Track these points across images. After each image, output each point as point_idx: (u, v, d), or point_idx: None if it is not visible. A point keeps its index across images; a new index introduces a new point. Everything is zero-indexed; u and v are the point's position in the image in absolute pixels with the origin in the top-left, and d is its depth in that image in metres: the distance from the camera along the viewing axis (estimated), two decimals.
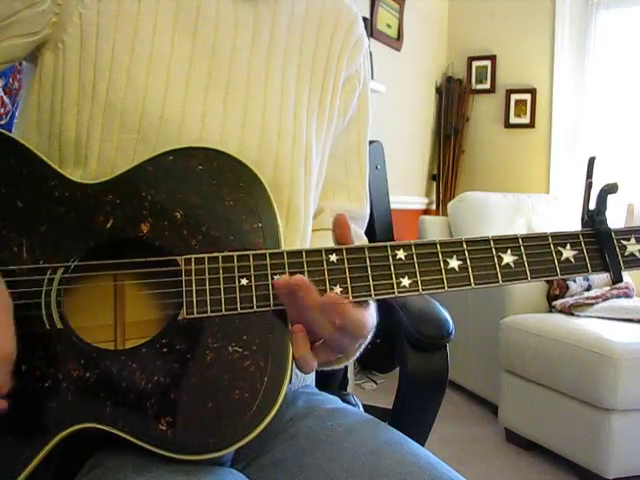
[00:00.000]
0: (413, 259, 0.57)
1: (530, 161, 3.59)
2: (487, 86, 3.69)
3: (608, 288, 2.51)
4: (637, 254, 0.59)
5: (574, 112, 3.47)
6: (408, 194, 3.49)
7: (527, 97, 3.57)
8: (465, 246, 0.58)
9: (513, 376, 2.30)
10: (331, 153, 0.79)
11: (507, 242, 0.58)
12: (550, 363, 2.13)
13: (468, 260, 0.57)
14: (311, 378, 0.82)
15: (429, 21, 3.69)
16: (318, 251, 0.57)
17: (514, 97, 3.61)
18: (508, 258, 0.58)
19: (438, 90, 3.75)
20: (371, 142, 0.91)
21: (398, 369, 1.00)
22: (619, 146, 3.30)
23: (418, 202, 3.63)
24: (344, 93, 0.78)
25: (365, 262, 0.57)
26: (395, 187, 3.07)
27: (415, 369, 0.91)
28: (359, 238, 0.80)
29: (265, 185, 0.60)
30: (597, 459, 1.96)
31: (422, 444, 0.91)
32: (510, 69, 3.64)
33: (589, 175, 0.60)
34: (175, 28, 0.65)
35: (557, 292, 2.45)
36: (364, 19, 2.99)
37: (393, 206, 3.01)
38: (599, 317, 2.29)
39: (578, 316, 2.32)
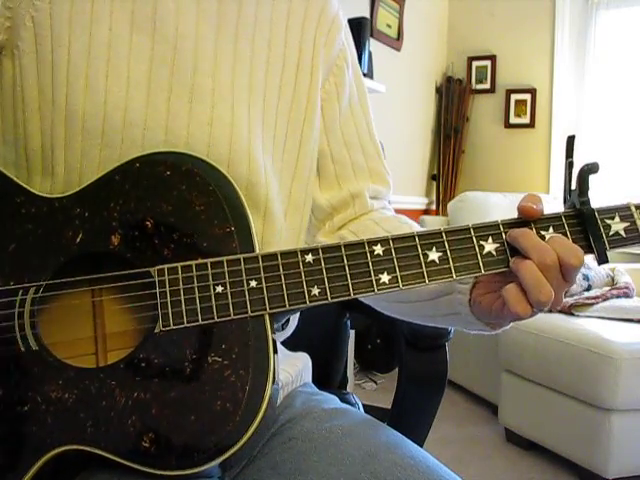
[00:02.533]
0: (392, 254, 0.55)
1: (530, 161, 3.59)
2: (487, 86, 3.69)
3: (608, 288, 2.51)
4: (622, 233, 0.56)
5: (574, 112, 3.47)
6: (408, 194, 3.49)
7: (527, 97, 3.57)
8: (445, 237, 0.56)
9: (513, 376, 2.30)
10: (344, 141, 0.77)
11: (488, 229, 0.56)
12: (550, 363, 2.13)
13: (448, 251, 0.55)
14: (309, 377, 0.82)
15: (429, 21, 3.68)
16: (293, 252, 0.55)
17: (514, 97, 3.61)
18: (490, 246, 0.56)
19: (438, 90, 3.74)
20: None
21: (398, 369, 1.00)
22: (619, 146, 3.30)
23: (418, 202, 3.63)
24: (333, 76, 0.76)
25: (342, 260, 0.55)
26: (395, 187, 3.06)
27: (414, 368, 0.91)
28: (407, 223, 0.78)
29: (235, 186, 0.58)
30: (597, 459, 1.96)
31: (422, 444, 0.91)
32: (510, 69, 3.63)
33: (569, 154, 0.58)
34: (132, 27, 0.63)
35: None
36: (364, 19, 2.96)
37: (393, 206, 3.01)
38: (599, 317, 2.29)
39: (578, 316, 2.32)
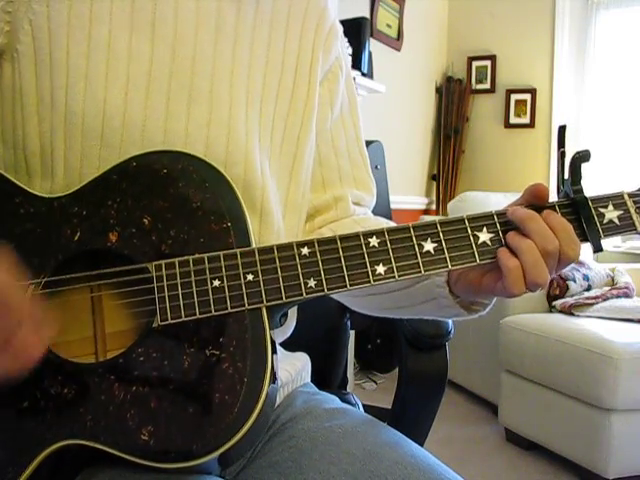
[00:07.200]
0: (387, 245, 0.56)
1: (530, 161, 3.60)
2: (487, 86, 3.69)
3: (608, 288, 2.52)
4: (616, 220, 0.56)
5: (574, 112, 3.47)
6: (408, 194, 3.49)
7: (527, 97, 3.57)
8: (439, 228, 0.56)
9: (513, 376, 2.30)
10: (333, 147, 0.78)
11: (482, 220, 0.57)
12: (550, 363, 2.13)
13: (443, 242, 0.56)
14: (309, 377, 0.82)
15: (429, 21, 3.69)
16: (289, 245, 0.56)
17: (514, 97, 3.61)
18: (484, 236, 0.56)
19: (438, 90, 3.75)
20: (371, 142, 0.90)
21: (398, 369, 1.00)
22: (619, 145, 3.31)
23: (418, 202, 3.63)
24: (327, 82, 0.77)
25: (338, 252, 0.56)
26: (395, 187, 3.07)
27: (414, 368, 0.91)
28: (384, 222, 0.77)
29: (231, 183, 0.59)
30: (597, 459, 1.96)
31: (422, 444, 0.91)
32: (510, 69, 3.64)
33: (561, 144, 0.58)
34: (132, 29, 0.63)
35: (557, 292, 2.45)
36: (364, 19, 2.96)
37: (393, 206, 3.01)
38: (599, 317, 2.29)
39: (578, 316, 2.32)
